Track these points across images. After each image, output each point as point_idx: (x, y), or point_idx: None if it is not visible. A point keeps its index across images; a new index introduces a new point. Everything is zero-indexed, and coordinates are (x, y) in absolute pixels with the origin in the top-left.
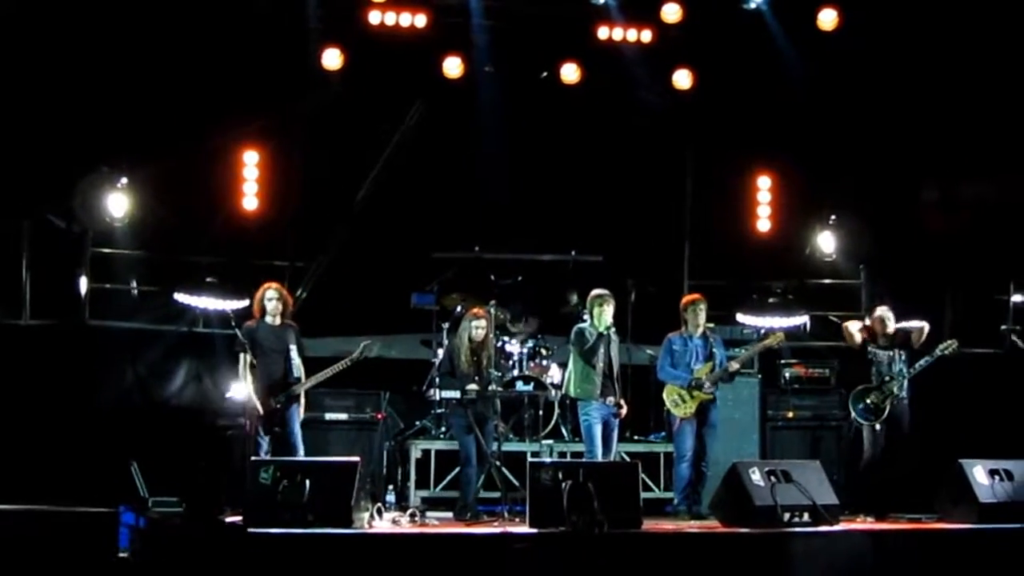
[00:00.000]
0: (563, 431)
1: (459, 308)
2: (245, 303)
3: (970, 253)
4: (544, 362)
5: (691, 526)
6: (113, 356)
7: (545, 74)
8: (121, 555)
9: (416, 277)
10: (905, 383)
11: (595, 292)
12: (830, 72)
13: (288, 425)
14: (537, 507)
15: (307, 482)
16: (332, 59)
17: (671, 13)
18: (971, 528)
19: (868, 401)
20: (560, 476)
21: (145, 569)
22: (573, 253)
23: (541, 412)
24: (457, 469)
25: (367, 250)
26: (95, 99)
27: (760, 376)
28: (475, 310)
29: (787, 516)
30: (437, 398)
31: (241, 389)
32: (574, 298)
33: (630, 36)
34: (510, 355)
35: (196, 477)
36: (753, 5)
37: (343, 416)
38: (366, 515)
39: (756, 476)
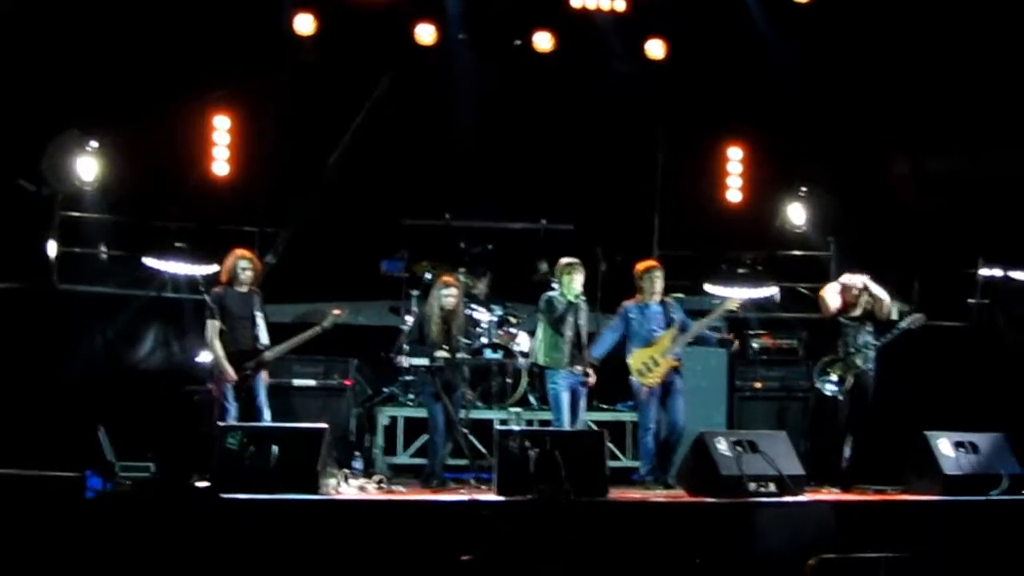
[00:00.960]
0: (531, 399)
1: (428, 275)
2: (214, 268)
3: (939, 226)
4: (512, 330)
5: (657, 495)
6: (82, 320)
7: (518, 42)
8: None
9: (386, 244)
10: (871, 355)
11: (564, 260)
12: (803, 45)
13: (254, 392)
14: (504, 475)
15: (274, 448)
16: (305, 24)
17: None
18: (936, 500)
19: (832, 372)
20: (527, 444)
21: (113, 532)
22: (544, 221)
23: (509, 380)
24: (425, 436)
25: (337, 216)
26: (65, 62)
27: (736, 344)
28: (445, 278)
29: (753, 486)
30: (406, 365)
31: (210, 355)
32: (544, 266)
33: (603, 5)
34: (478, 323)
35: (165, 441)
36: None
37: (311, 382)
38: (333, 481)
39: (722, 446)
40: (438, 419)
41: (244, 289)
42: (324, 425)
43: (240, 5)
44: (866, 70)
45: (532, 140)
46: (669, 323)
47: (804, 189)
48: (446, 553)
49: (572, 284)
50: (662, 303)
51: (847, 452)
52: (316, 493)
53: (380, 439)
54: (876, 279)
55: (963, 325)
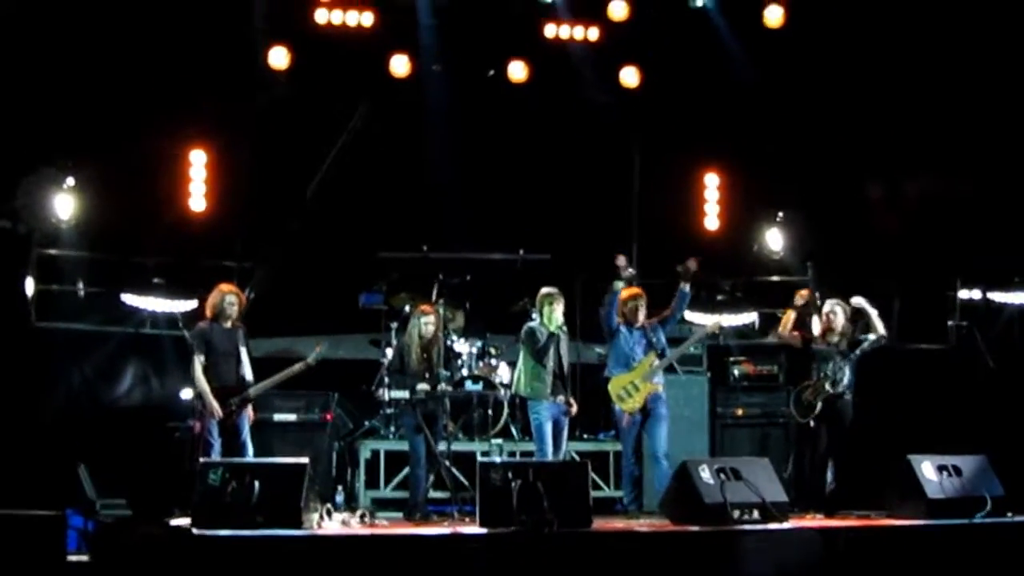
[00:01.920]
0: (512, 430)
1: (407, 308)
2: (193, 304)
3: (916, 249)
4: (493, 361)
5: (641, 525)
6: (60, 358)
7: (492, 72)
8: (69, 558)
9: (364, 277)
10: (845, 379)
11: (545, 290)
12: (776, 70)
13: (239, 429)
14: (487, 507)
15: (256, 483)
16: (279, 58)
17: (618, 11)
18: (920, 524)
19: (803, 398)
20: (510, 476)
21: (94, 572)
22: (521, 252)
23: (490, 411)
24: (407, 469)
25: (315, 250)
26: (41, 98)
27: (709, 374)
28: (423, 307)
29: (737, 514)
30: (386, 398)
31: (196, 391)
32: (526, 302)
33: (577, 34)
34: (459, 355)
35: (144, 479)
36: (700, 3)
37: (292, 417)
38: (315, 516)
39: (706, 474)
40: (420, 452)
41: (229, 325)
42: (305, 460)
43: (215, 39)
44: (839, 94)
45: (508, 170)
46: (650, 347)
47: (781, 214)
48: None
49: (553, 314)
50: (642, 327)
51: (829, 477)
52: (298, 528)
53: (362, 473)
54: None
55: (943, 347)
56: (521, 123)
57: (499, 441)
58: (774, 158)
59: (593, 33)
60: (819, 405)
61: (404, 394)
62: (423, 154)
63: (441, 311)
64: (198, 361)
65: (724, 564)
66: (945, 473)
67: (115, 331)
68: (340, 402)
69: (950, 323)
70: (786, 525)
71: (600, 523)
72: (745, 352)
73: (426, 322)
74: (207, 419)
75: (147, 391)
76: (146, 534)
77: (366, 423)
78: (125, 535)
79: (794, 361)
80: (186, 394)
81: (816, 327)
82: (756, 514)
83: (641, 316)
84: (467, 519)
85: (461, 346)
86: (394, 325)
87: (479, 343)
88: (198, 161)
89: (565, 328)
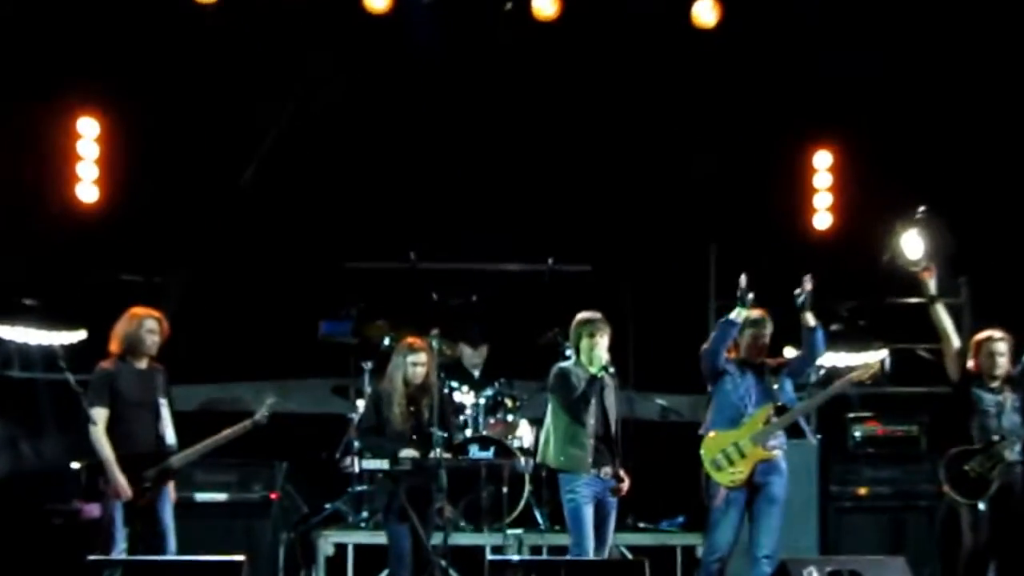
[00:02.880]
0: (537, 516)
1: (387, 341)
2: (80, 335)
3: None
4: (510, 417)
5: None
6: None
7: (509, 5)
8: None
9: (326, 297)
10: (1019, 443)
11: (583, 316)
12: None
13: (157, 512)
14: None
15: None
16: None
17: None
18: None
19: (968, 470)
20: None
21: None
22: (550, 261)
23: (506, 489)
24: (386, 572)
25: (254, 259)
26: None
27: (819, 436)
28: (411, 340)
29: None
30: (356, 469)
31: (91, 460)
32: (554, 332)
33: None
34: (461, 408)
35: None
36: None
37: (221, 496)
38: None
39: None
40: (403, 547)
41: (144, 365)
42: (241, 557)
43: None
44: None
45: (528, 146)
46: (766, 397)
47: (923, 210)
48: None
49: (595, 350)
50: (760, 368)
51: None
52: None
53: (322, 575)
54: None
55: None
56: (547, 78)
57: (518, 531)
58: (914, 130)
59: None
60: (994, 480)
61: (383, 464)
62: (409, 123)
63: (436, 346)
64: (98, 417)
65: None
66: None
67: None
68: (290, 475)
69: None
70: None
71: None
72: (870, 405)
73: (414, 361)
74: (110, 500)
75: (14, 458)
76: None
77: (327, 506)
78: None
79: (943, 416)
80: (75, 464)
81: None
82: None
83: (762, 350)
84: None
85: (465, 395)
86: (368, 366)
87: (490, 392)
88: (89, 133)
89: (613, 370)
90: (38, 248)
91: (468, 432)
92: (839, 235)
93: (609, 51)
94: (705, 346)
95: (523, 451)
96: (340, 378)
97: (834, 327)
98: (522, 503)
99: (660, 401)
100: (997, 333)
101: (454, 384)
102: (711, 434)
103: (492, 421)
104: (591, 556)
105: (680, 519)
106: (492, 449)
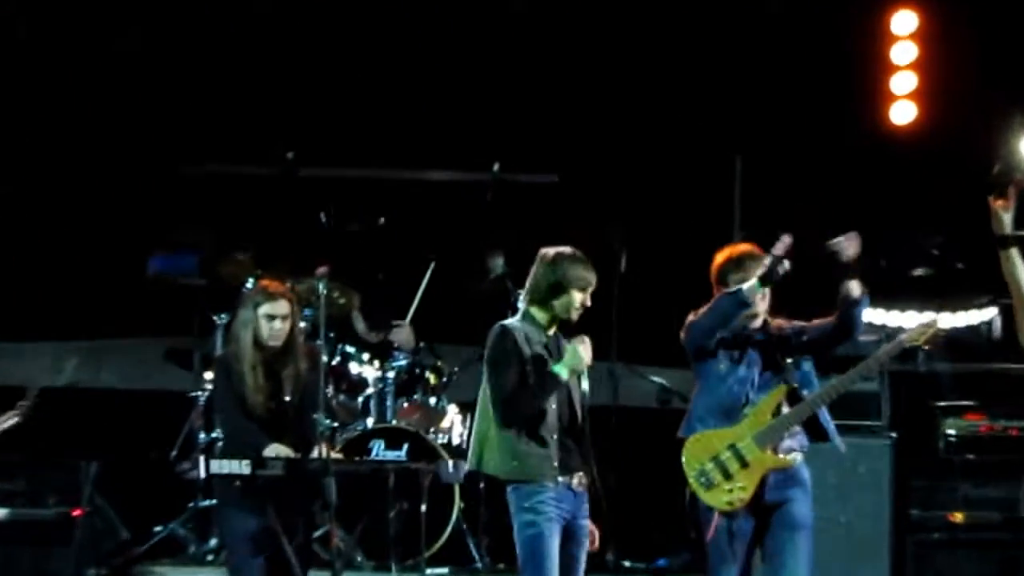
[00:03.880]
0: (471, 549)
1: (250, 282)
2: None
3: None
4: (433, 400)
5: None
6: None
7: None
8: None
9: (157, 219)
10: None
11: (563, 252)
12: None
13: None
14: None
15: None
16: None
17: None
18: None
19: None
20: None
21: None
22: (496, 167)
23: (425, 507)
24: None
25: (50, 164)
26: None
27: (894, 435)
28: (268, 284)
29: None
30: (202, 475)
31: None
32: (499, 262)
33: None
34: (360, 383)
35: None
36: None
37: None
38: None
39: None
40: None
41: None
42: None
43: None
44: None
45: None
46: (775, 376)
47: None
48: None
49: (572, 312)
50: (765, 332)
51: None
52: None
53: None
54: None
55: None
56: None
57: (442, 571)
58: None
59: None
60: None
61: (243, 468)
62: None
63: (323, 291)
64: None
65: None
66: None
67: None
68: (102, 482)
69: None
70: None
71: None
72: (971, 389)
73: (269, 313)
74: None
75: None
76: None
77: (158, 529)
78: None
79: None
80: None
81: None
82: None
83: (762, 311)
84: None
85: (365, 366)
86: (222, 320)
87: (403, 362)
88: None
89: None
90: None
91: (369, 421)
92: (926, 134)
93: None
94: (695, 319)
95: (451, 450)
96: (179, 337)
97: (918, 271)
98: (449, 528)
99: (655, 379)
100: None
101: (349, 349)
102: (696, 434)
103: (406, 405)
104: None
105: (684, 556)
106: (405, 447)
